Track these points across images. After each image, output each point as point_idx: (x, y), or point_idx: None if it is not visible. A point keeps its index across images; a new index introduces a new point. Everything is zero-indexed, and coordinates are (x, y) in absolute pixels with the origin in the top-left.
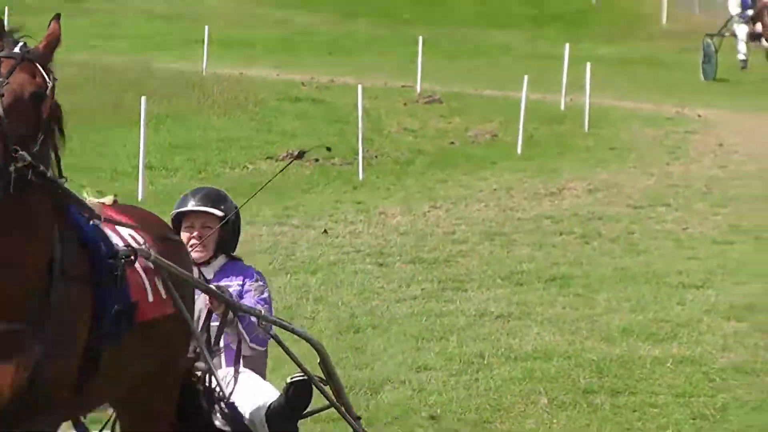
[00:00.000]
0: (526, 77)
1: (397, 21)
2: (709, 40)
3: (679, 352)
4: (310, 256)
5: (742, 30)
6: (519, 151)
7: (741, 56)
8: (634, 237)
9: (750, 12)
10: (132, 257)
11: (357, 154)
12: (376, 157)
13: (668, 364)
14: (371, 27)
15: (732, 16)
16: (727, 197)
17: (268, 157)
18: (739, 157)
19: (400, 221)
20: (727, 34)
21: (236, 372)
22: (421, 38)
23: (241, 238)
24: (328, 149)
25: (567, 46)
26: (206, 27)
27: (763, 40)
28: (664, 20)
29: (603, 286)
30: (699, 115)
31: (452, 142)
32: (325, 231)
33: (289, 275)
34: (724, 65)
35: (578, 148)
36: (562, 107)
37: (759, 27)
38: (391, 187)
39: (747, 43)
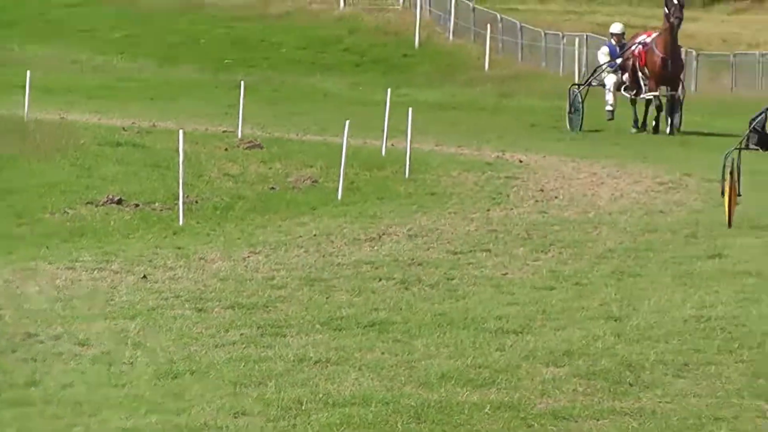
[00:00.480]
0: (347, 122)
1: (218, 66)
2: (576, 90)
3: (498, 397)
4: (129, 301)
5: (610, 80)
6: (339, 196)
7: (608, 107)
8: (454, 282)
9: (619, 60)
10: None
11: (177, 199)
12: (196, 202)
13: (486, 410)
14: (192, 72)
15: (600, 65)
16: (548, 243)
17: (88, 203)
18: (559, 202)
19: (220, 266)
20: (595, 83)
21: None
22: (242, 83)
23: (60, 284)
24: None
25: (389, 91)
26: (28, 72)
27: (623, 90)
28: (487, 66)
29: (422, 331)
30: (520, 161)
31: (273, 188)
32: (145, 276)
33: (107, 320)
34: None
35: (399, 194)
36: (383, 152)
37: (626, 76)
38: (211, 232)
39: (614, 93)
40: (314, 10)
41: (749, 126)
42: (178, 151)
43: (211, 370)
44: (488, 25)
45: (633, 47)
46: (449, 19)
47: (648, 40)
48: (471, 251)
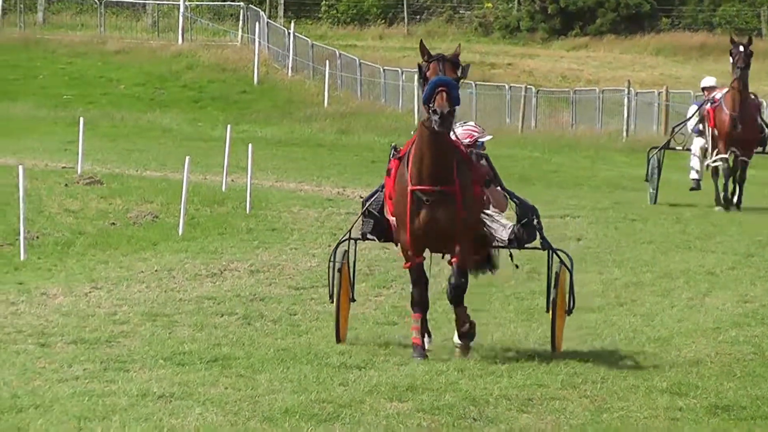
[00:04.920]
0: (187, 158)
1: (57, 102)
2: (655, 154)
3: None
4: None
5: (696, 143)
6: (180, 232)
7: (693, 174)
8: (296, 318)
9: (692, 120)
10: None
11: (18, 234)
12: (37, 237)
13: None
14: (31, 108)
15: (676, 125)
16: (390, 278)
17: None
18: None
19: (62, 302)
20: (679, 148)
21: None
22: (81, 119)
23: None
24: None
25: (229, 127)
26: None
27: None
28: (326, 102)
29: (265, 366)
30: (360, 197)
31: (113, 223)
32: None
33: None
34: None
35: (240, 229)
36: (224, 188)
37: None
38: (52, 267)
39: (700, 158)
40: (152, 46)
41: (362, 207)
42: (17, 186)
43: (55, 404)
44: (327, 62)
45: (705, 104)
46: (288, 56)
47: (718, 96)
48: (313, 287)
